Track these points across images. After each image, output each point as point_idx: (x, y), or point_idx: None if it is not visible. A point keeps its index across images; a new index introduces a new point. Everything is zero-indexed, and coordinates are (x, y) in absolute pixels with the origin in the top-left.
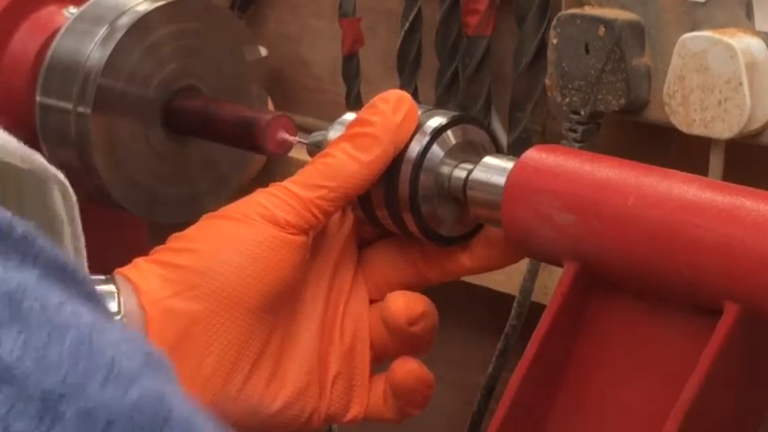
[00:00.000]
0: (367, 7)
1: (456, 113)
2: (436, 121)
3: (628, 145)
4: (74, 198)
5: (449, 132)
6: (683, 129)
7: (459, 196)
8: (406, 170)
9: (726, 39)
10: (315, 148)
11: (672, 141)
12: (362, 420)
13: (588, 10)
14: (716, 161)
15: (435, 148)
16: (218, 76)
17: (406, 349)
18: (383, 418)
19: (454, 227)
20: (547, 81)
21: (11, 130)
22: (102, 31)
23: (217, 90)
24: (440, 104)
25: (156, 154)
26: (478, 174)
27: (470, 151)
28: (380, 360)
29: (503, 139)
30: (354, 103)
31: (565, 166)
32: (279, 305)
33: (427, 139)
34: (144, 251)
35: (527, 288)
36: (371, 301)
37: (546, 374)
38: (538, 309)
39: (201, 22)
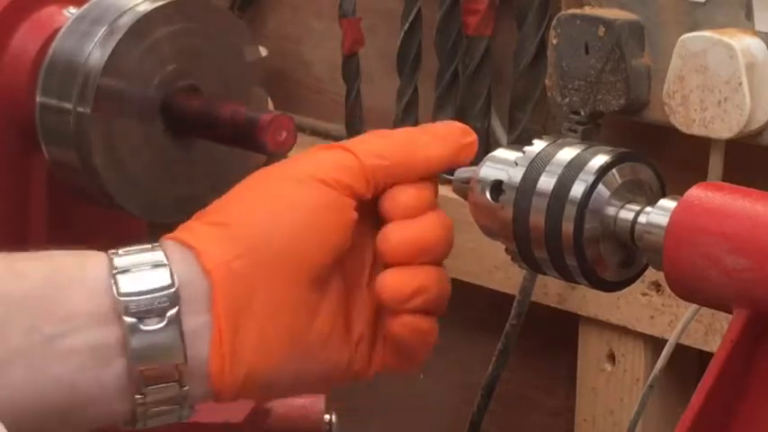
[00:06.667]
0: (367, 7)
1: (620, 150)
2: (601, 160)
3: (627, 145)
4: None
5: (614, 171)
6: (683, 129)
7: (626, 239)
8: (570, 211)
9: (726, 39)
10: (462, 185)
11: (672, 141)
12: (382, 371)
13: (588, 10)
14: (716, 161)
15: (601, 187)
16: (219, 76)
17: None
18: (400, 369)
19: (619, 271)
20: (547, 81)
21: (11, 130)
22: (102, 31)
23: (217, 90)
24: (440, 104)
25: (156, 154)
26: (646, 215)
27: (637, 190)
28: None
29: (503, 139)
30: (354, 103)
31: (734, 205)
32: (336, 268)
33: (592, 178)
34: None
35: (527, 288)
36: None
37: (713, 426)
38: (538, 309)
39: (201, 22)
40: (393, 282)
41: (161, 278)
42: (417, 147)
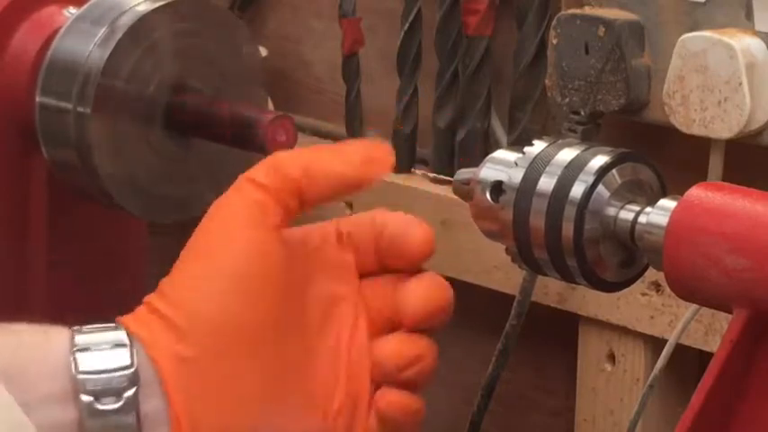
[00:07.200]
0: (367, 7)
1: (620, 151)
2: (601, 160)
3: (627, 145)
4: None
5: (614, 171)
6: (683, 129)
7: (626, 239)
8: (570, 211)
9: (726, 39)
10: (462, 186)
11: (672, 141)
12: None
13: (588, 10)
14: (715, 161)
15: (601, 188)
16: (219, 76)
17: (402, 386)
18: None
19: (619, 271)
20: (547, 81)
21: (11, 130)
22: (102, 31)
23: (217, 90)
24: (440, 104)
25: (156, 154)
26: (646, 215)
27: (637, 191)
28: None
29: (503, 139)
30: (354, 103)
31: (734, 205)
32: (284, 320)
33: (592, 179)
34: (144, 251)
35: (527, 288)
36: (373, 333)
37: (713, 426)
38: (538, 309)
39: (201, 22)
40: (395, 347)
41: (120, 358)
42: (321, 159)
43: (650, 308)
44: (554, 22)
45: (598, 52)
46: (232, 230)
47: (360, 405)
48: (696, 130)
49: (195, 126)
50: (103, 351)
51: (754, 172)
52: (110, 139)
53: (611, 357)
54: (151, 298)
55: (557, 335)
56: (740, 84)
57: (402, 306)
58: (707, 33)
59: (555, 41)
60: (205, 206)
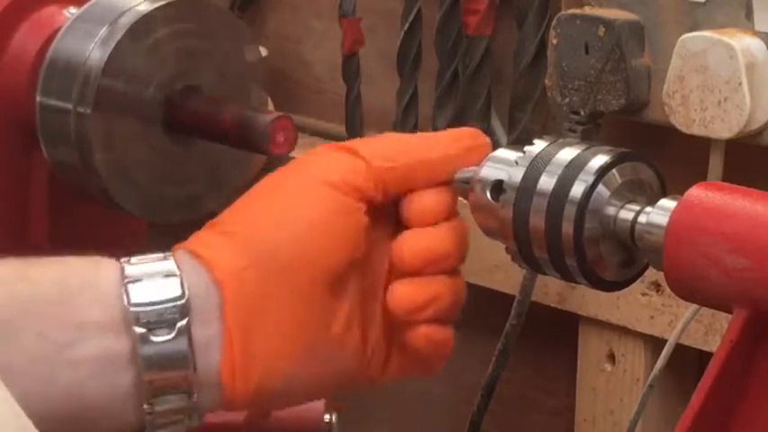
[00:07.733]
0: (367, 7)
1: (620, 150)
2: (601, 160)
3: (627, 145)
4: None
5: (614, 171)
6: (683, 129)
7: (626, 239)
8: (570, 211)
9: (725, 39)
10: (463, 184)
11: (672, 141)
12: (397, 379)
13: (588, 10)
14: (715, 161)
15: (601, 187)
16: (219, 76)
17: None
18: (415, 375)
19: (619, 271)
20: (547, 81)
21: (11, 130)
22: (102, 31)
23: (217, 90)
24: (440, 104)
25: (156, 154)
26: (646, 214)
27: (637, 190)
28: None
29: (502, 139)
30: (354, 103)
31: (734, 205)
32: (353, 273)
33: (592, 178)
34: (144, 251)
35: (527, 288)
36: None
37: (713, 426)
38: (538, 309)
39: (201, 22)
40: (404, 293)
41: (172, 289)
42: (425, 149)
43: (650, 308)
44: (554, 22)
45: (598, 52)
46: (320, 185)
47: (393, 342)
48: (696, 130)
49: (195, 126)
50: (154, 281)
51: (754, 172)
52: (110, 139)
53: (611, 357)
54: (214, 222)
55: (557, 335)
56: (740, 84)
57: (392, 256)
58: (707, 33)
59: (555, 41)
60: (205, 206)
